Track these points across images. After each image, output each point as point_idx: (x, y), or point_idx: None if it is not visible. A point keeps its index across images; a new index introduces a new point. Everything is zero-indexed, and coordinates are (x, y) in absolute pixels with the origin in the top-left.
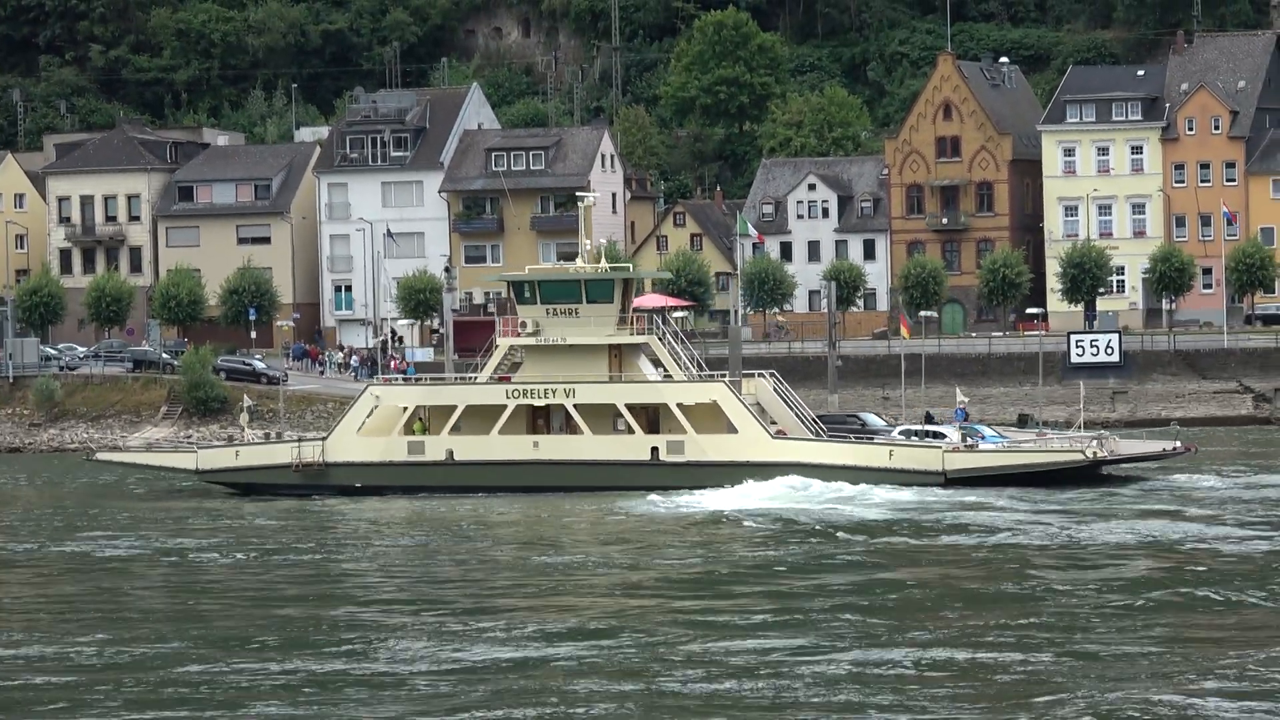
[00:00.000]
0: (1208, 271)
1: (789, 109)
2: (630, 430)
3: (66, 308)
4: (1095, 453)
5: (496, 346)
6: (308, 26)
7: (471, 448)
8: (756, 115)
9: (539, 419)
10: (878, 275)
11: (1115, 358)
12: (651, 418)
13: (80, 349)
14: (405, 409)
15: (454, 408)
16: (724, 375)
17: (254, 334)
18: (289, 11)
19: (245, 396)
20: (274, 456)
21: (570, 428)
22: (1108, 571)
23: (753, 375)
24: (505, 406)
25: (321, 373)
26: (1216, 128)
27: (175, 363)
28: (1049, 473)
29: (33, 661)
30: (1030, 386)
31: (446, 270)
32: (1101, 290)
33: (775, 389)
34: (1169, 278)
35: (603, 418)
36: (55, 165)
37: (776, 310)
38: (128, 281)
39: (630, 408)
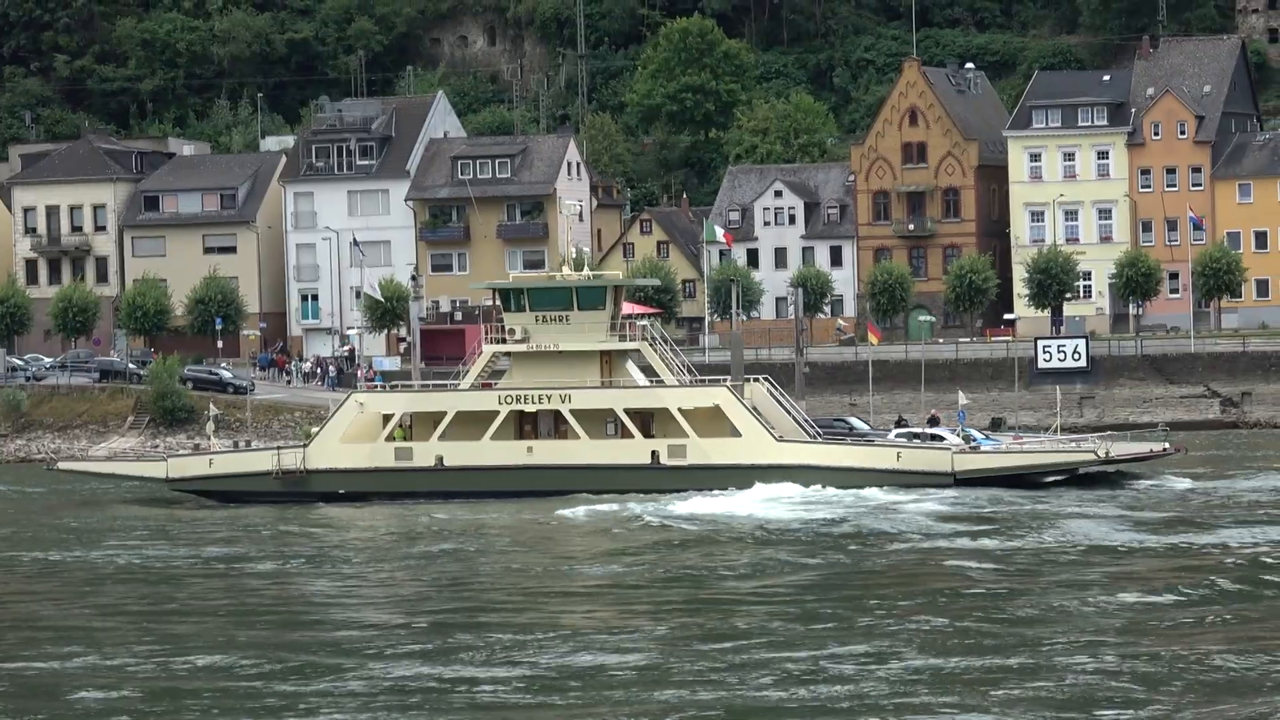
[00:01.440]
0: (1174, 276)
1: (755, 116)
2: (622, 435)
3: (32, 318)
4: (1107, 452)
5: (480, 353)
6: (273, 36)
7: (463, 453)
8: (722, 122)
9: (526, 424)
10: (844, 281)
11: (1082, 363)
12: (644, 422)
13: (46, 359)
14: (391, 416)
15: (443, 414)
16: (725, 379)
17: (220, 343)
18: (254, 21)
19: (211, 406)
20: (252, 464)
21: (559, 433)
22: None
23: (749, 380)
24: (498, 412)
25: (289, 382)
26: (1182, 132)
27: (142, 373)
28: (1056, 473)
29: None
30: (998, 392)
31: (413, 279)
32: (1068, 295)
33: (770, 393)
34: (1135, 282)
35: (597, 422)
36: (20, 176)
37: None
38: (94, 292)
39: (629, 412)
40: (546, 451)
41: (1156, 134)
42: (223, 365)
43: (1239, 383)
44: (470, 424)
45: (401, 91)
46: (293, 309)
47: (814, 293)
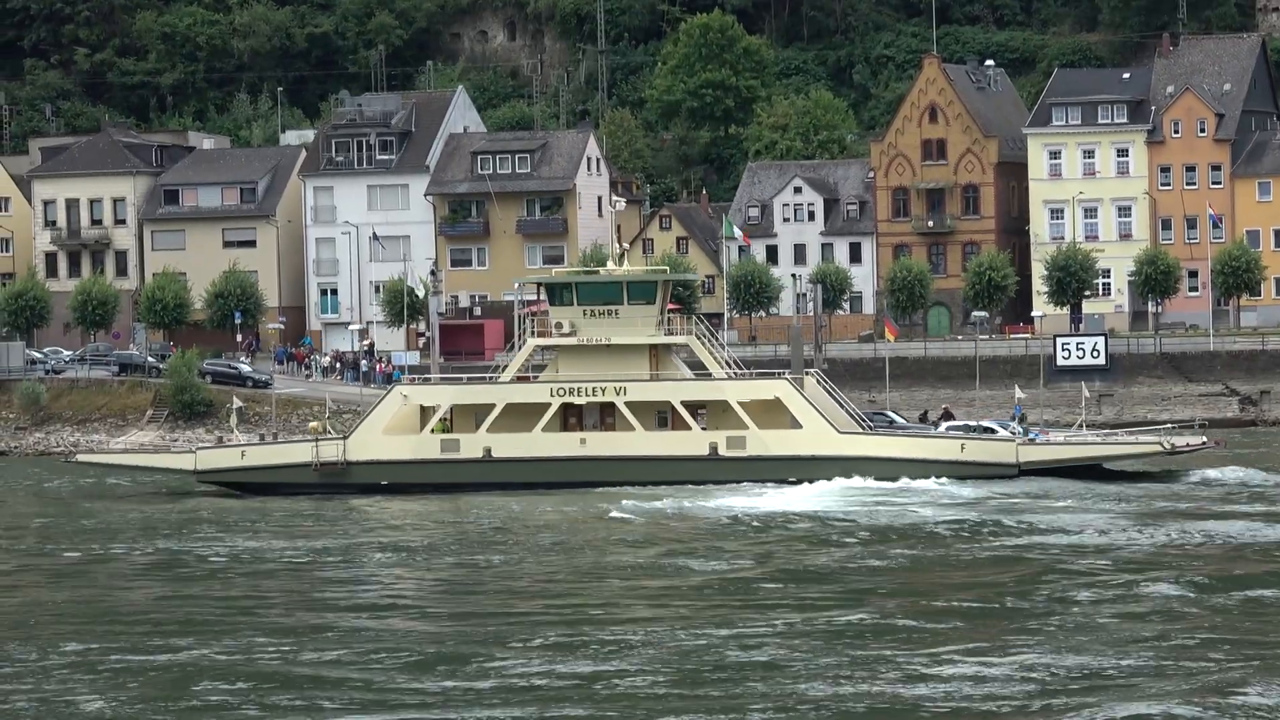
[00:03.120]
0: (1193, 274)
1: (775, 112)
2: (674, 426)
3: (52, 311)
4: (1172, 445)
5: (522, 346)
6: (293, 30)
7: (512, 445)
8: (742, 118)
9: (571, 417)
10: (863, 278)
11: (1101, 360)
12: (693, 415)
13: (66, 353)
14: (429, 408)
15: (491, 406)
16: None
17: (240, 337)
18: (274, 15)
19: (234, 398)
20: (289, 456)
21: (605, 425)
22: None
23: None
24: (549, 405)
25: (308, 376)
26: (1202, 130)
27: (161, 366)
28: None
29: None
30: (1016, 389)
31: (433, 273)
32: (1087, 293)
33: (821, 385)
34: (1155, 280)
35: (651, 415)
36: (41, 169)
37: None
38: (113, 285)
39: (686, 405)
40: (601, 443)
41: (1176, 132)
42: (242, 359)
43: (1258, 381)
44: (519, 416)
45: (421, 86)
46: (312, 303)
47: (833, 289)
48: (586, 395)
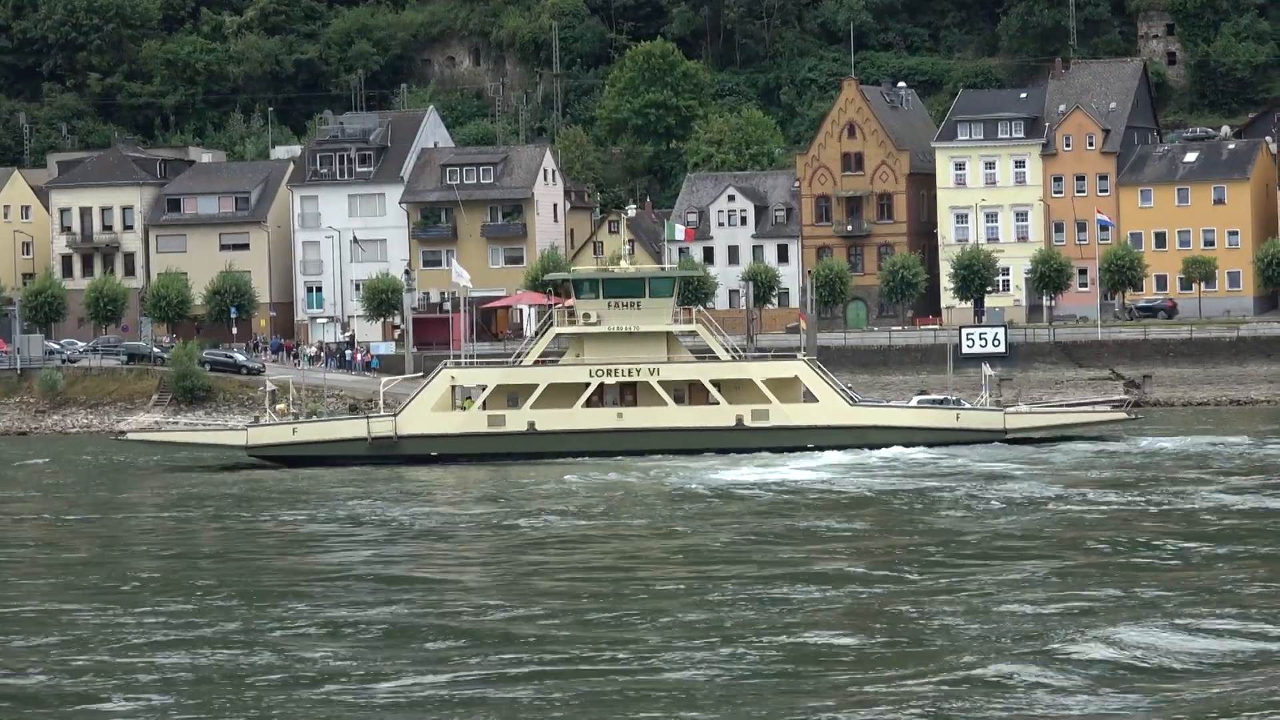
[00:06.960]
0: (1083, 272)
1: (711, 129)
2: (693, 400)
3: (68, 307)
4: (1135, 413)
5: (543, 334)
6: (282, 56)
7: (554, 419)
8: (682, 134)
9: (594, 395)
10: (790, 276)
11: (1001, 349)
12: (691, 390)
13: (80, 344)
14: (479, 387)
15: (534, 385)
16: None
17: (235, 330)
18: (265, 43)
19: (268, 382)
20: (342, 431)
21: (625, 401)
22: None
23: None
24: (588, 384)
25: (296, 364)
26: (1091, 144)
27: (165, 356)
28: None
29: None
30: (926, 374)
31: (406, 273)
32: (989, 289)
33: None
34: (1049, 277)
35: (673, 392)
36: (57, 180)
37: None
38: (122, 284)
39: (714, 382)
40: (636, 417)
41: (1068, 145)
42: (237, 349)
43: (1140, 366)
44: (559, 394)
45: (396, 106)
46: (299, 299)
47: (763, 286)
48: (621, 376)
